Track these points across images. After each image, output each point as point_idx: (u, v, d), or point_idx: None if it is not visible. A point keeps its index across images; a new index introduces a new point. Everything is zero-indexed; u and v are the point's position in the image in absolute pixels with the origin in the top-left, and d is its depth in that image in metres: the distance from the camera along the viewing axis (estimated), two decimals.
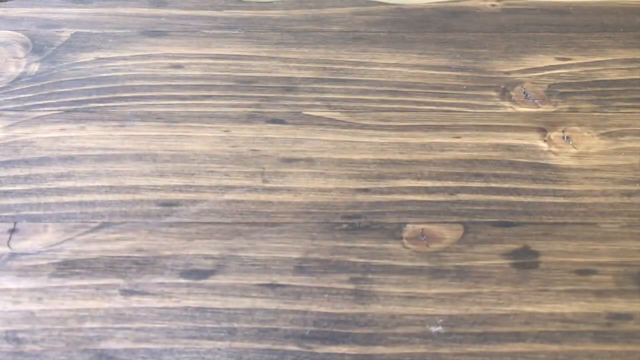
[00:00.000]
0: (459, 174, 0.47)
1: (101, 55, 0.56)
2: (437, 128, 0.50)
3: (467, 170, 0.47)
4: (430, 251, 0.43)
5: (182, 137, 0.49)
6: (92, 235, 0.43)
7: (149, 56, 0.56)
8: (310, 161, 0.48)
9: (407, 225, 0.44)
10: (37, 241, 0.42)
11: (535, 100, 0.52)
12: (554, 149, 0.49)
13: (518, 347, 0.38)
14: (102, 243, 0.42)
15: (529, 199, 0.45)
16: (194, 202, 0.45)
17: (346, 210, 0.44)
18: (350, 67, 0.55)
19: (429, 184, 0.46)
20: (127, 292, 0.40)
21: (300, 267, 0.41)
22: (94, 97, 0.52)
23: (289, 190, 0.46)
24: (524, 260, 0.42)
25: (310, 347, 0.37)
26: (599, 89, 0.53)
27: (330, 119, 0.51)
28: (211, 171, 0.47)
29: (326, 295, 0.40)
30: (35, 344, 0.37)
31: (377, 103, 0.52)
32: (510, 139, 0.49)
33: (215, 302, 0.39)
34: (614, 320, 0.40)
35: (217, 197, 0.45)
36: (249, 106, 0.52)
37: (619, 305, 0.40)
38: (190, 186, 0.46)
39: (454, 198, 0.45)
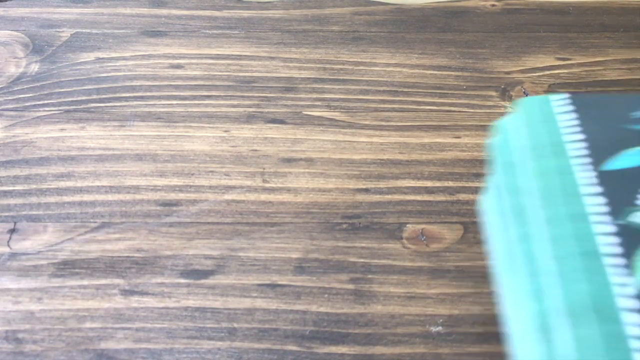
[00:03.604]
0: (459, 174, 0.47)
1: (101, 55, 0.56)
2: (437, 128, 0.50)
3: (467, 170, 0.47)
4: (430, 251, 0.43)
5: (182, 137, 0.49)
6: (92, 235, 0.43)
7: (149, 56, 0.56)
8: (310, 161, 0.48)
9: (407, 225, 0.44)
10: (37, 241, 0.42)
11: None
12: None
13: None
14: (102, 243, 0.42)
15: None
16: (194, 202, 0.45)
17: (346, 210, 0.44)
18: (350, 67, 0.55)
19: (429, 184, 0.46)
20: (127, 292, 0.40)
21: (300, 267, 0.41)
22: (94, 97, 0.52)
23: (289, 190, 0.46)
24: None
25: (310, 347, 0.37)
26: (599, 89, 0.53)
27: (330, 119, 0.51)
28: (211, 171, 0.47)
29: (326, 295, 0.40)
30: (35, 344, 0.37)
31: (377, 103, 0.52)
32: None
33: (215, 302, 0.39)
34: None
35: (217, 197, 0.45)
36: (249, 106, 0.52)
37: None
38: (190, 186, 0.46)
39: (454, 198, 0.45)
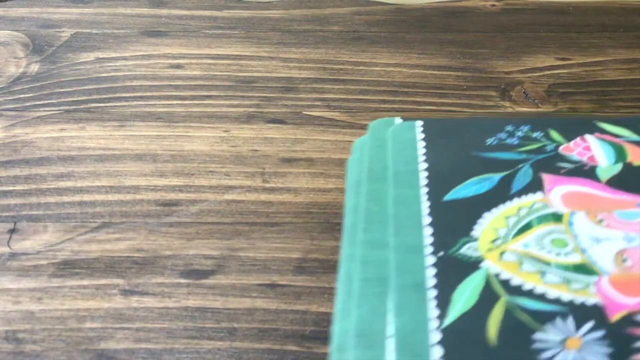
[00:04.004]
0: None
1: (101, 55, 0.56)
2: None
3: None
4: None
5: (182, 137, 0.49)
6: (92, 235, 0.43)
7: (149, 56, 0.56)
8: (310, 161, 0.48)
9: None
10: (37, 241, 0.42)
11: (535, 100, 0.52)
12: None
13: None
14: (102, 243, 0.42)
15: None
16: (194, 202, 0.45)
17: None
18: (350, 67, 0.55)
19: None
20: (127, 292, 0.40)
21: (300, 267, 0.41)
22: (94, 97, 0.52)
23: (289, 190, 0.46)
24: None
25: (310, 347, 0.37)
26: (599, 89, 0.53)
27: (330, 119, 0.51)
28: (211, 171, 0.47)
29: (326, 295, 0.40)
30: (35, 344, 0.37)
31: (377, 103, 0.52)
32: None
33: (215, 302, 0.39)
34: None
35: (217, 197, 0.45)
36: (249, 106, 0.52)
37: None
38: (190, 186, 0.46)
39: None
